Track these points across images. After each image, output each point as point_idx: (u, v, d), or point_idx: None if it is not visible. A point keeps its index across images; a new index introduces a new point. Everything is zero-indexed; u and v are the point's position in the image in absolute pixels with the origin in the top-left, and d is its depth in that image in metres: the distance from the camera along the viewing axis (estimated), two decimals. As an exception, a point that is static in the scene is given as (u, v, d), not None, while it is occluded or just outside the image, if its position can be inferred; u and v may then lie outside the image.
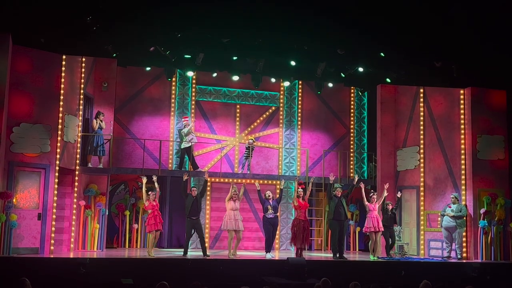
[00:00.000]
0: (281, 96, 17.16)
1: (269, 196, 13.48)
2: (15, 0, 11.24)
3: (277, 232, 14.53)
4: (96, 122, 14.22)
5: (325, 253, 15.60)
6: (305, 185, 13.92)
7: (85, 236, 13.86)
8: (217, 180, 15.94)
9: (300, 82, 17.23)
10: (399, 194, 14.41)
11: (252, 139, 16.21)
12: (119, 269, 11.02)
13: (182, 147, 15.45)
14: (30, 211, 12.32)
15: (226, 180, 15.84)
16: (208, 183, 15.37)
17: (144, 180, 13.12)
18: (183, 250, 13.22)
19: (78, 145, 13.84)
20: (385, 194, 13.88)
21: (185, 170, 15.42)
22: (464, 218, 13.72)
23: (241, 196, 13.42)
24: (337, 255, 13.22)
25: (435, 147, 15.04)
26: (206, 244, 13.57)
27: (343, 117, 17.64)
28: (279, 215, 13.98)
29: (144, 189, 13.13)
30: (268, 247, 13.47)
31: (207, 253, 13.00)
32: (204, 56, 13.88)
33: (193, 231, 13.24)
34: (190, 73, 15.87)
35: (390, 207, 13.91)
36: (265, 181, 16.28)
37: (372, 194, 13.85)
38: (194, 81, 16.48)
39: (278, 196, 13.87)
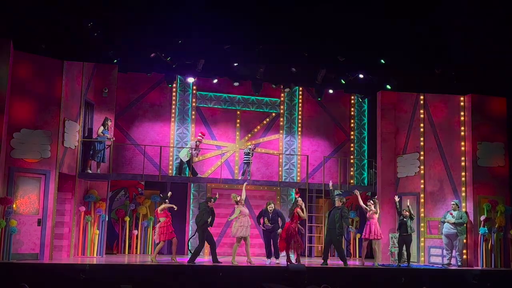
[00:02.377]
0: (282, 102, 17.19)
1: (271, 209, 13.42)
2: (16, 6, 11.27)
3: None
4: (105, 128, 14.23)
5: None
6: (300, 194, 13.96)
7: (84, 242, 13.83)
8: (217, 186, 15.92)
9: (300, 89, 17.25)
10: (409, 202, 13.96)
11: (250, 145, 16.22)
12: (118, 275, 10.99)
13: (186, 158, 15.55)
14: (30, 216, 12.30)
15: (226, 186, 15.84)
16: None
17: (169, 194, 13.58)
18: (193, 257, 12.95)
19: (79, 150, 13.84)
20: (398, 201, 13.89)
21: (184, 176, 15.42)
22: (465, 225, 13.70)
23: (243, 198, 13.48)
24: (327, 262, 13.12)
25: (435, 154, 15.03)
26: (206, 250, 13.50)
27: (344, 123, 17.65)
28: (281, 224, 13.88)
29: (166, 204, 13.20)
30: (269, 253, 13.45)
31: (218, 259, 12.91)
32: (205, 62, 13.90)
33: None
34: (190, 79, 15.90)
35: (406, 213, 13.43)
36: (265, 187, 16.30)
37: (370, 200, 13.82)
38: (194, 87, 16.51)
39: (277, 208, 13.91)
